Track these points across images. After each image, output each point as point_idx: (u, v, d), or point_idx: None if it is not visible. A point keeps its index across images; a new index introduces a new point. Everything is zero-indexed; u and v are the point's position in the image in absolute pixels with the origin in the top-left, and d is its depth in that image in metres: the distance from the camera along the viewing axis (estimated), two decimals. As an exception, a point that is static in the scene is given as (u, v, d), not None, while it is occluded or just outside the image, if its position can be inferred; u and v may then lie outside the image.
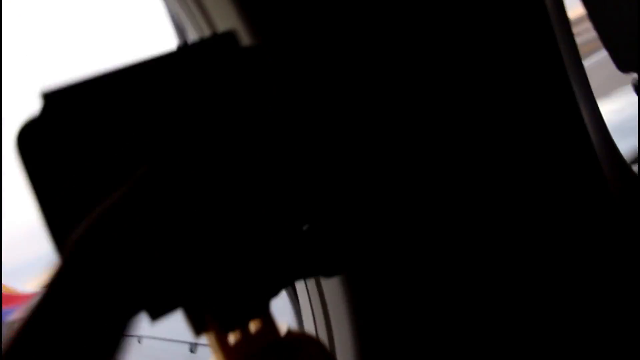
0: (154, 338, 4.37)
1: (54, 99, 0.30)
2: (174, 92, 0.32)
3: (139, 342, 4.44)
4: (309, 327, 0.77)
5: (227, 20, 0.64)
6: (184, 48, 0.35)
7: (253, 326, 0.35)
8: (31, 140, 0.30)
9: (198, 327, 0.35)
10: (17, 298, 8.10)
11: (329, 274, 0.36)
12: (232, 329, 0.35)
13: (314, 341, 0.37)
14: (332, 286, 0.69)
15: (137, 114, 0.31)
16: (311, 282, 0.73)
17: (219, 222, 0.32)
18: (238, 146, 0.33)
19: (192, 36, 0.73)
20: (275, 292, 0.35)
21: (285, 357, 0.35)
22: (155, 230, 0.29)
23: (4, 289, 8.29)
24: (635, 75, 0.89)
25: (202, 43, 0.36)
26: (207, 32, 0.68)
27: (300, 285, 0.77)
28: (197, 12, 0.68)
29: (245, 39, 0.59)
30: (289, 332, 0.36)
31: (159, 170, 0.30)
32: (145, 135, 0.31)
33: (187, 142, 0.32)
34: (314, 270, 0.36)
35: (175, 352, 3.99)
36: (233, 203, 0.32)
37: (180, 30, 0.79)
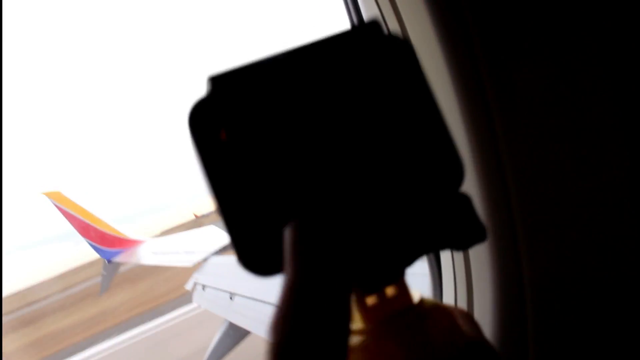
0: (245, 297, 4.65)
1: (221, 82, 0.35)
2: (321, 82, 0.35)
3: (230, 298, 4.86)
4: (449, 297, 0.79)
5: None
6: (332, 37, 0.36)
7: (389, 292, 0.37)
8: (202, 118, 0.34)
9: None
10: (125, 241, 9.76)
11: (466, 245, 0.36)
12: (369, 292, 0.37)
13: (445, 310, 0.37)
14: (478, 256, 0.71)
15: (291, 100, 0.35)
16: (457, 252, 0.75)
17: (365, 191, 0.35)
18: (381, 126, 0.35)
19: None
20: (411, 261, 0.36)
21: (414, 322, 0.36)
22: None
23: (115, 233, 9.63)
24: None
25: (348, 32, 0.37)
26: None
27: (445, 254, 0.80)
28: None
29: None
30: (422, 301, 0.37)
31: (315, 216, 0.34)
32: (298, 121, 0.34)
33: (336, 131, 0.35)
34: (452, 241, 0.36)
35: (262, 312, 4.17)
36: (377, 175, 0.35)
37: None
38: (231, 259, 6.09)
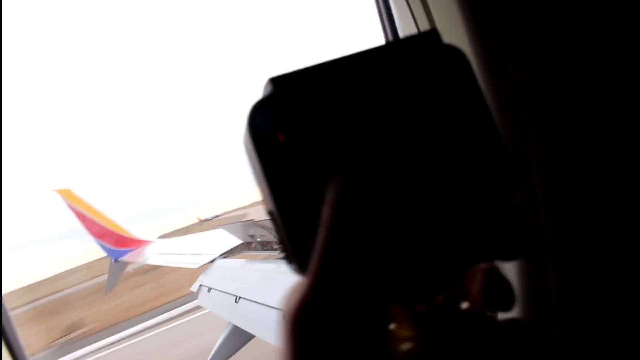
0: (251, 300, 4.66)
1: (282, 83, 0.35)
2: (380, 88, 0.36)
3: (236, 301, 4.88)
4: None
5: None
6: (389, 44, 0.37)
7: (440, 299, 0.36)
8: (262, 118, 0.35)
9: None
10: (133, 241, 9.85)
11: (516, 257, 0.35)
12: (421, 301, 0.36)
13: (494, 320, 0.36)
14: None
15: (349, 104, 0.35)
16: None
17: (418, 206, 0.34)
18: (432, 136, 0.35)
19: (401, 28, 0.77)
20: (461, 270, 0.36)
21: (463, 330, 0.35)
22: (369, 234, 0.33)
23: (122, 232, 9.76)
24: None
25: (406, 40, 0.38)
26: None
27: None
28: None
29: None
30: (471, 309, 0.36)
31: (356, 180, 0.34)
32: (353, 126, 0.35)
33: (386, 139, 0.35)
34: (503, 252, 0.35)
35: (266, 316, 4.15)
36: (432, 187, 0.34)
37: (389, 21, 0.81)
38: (238, 262, 6.20)
